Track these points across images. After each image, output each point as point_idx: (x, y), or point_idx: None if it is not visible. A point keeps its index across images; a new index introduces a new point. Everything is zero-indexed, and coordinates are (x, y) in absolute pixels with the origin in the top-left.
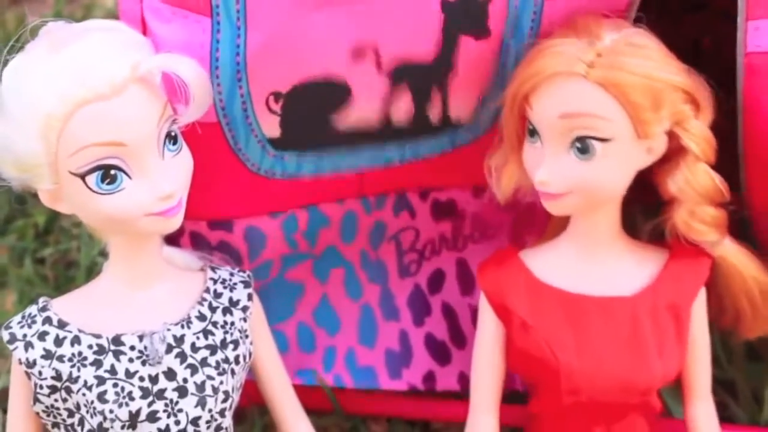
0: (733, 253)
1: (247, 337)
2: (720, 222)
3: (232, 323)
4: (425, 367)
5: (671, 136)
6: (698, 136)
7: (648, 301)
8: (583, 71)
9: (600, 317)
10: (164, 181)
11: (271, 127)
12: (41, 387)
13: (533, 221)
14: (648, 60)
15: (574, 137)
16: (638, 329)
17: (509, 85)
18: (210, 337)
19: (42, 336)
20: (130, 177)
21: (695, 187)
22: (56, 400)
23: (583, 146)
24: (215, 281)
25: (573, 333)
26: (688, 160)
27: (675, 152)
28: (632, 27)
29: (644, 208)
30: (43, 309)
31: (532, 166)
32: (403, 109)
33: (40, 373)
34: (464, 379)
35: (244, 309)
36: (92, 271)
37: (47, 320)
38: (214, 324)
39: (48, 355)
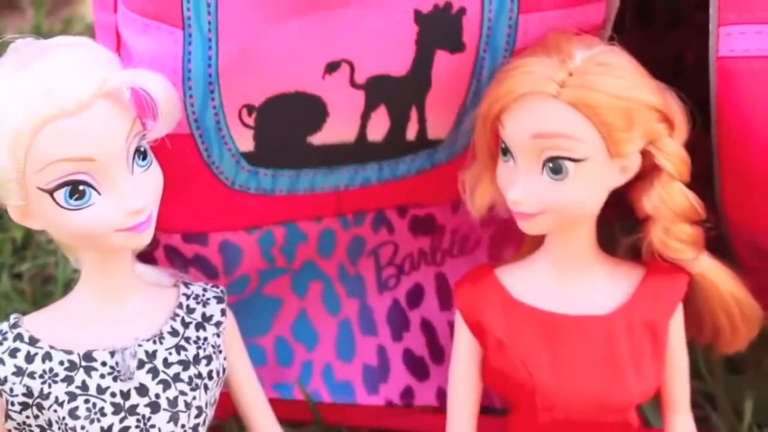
0: (711, 269)
1: (220, 352)
2: (696, 239)
3: (205, 338)
4: (403, 382)
5: (645, 154)
6: (672, 155)
7: (624, 319)
8: (554, 91)
9: (576, 336)
10: (134, 196)
11: (245, 141)
12: (13, 404)
13: (512, 235)
14: (620, 79)
15: (546, 157)
16: (614, 347)
17: (480, 104)
18: (183, 353)
19: (13, 353)
20: (99, 192)
21: (670, 206)
22: (28, 417)
23: (555, 166)
24: (188, 297)
25: (548, 352)
26: (663, 179)
27: (649, 170)
28: (605, 44)
29: (623, 224)
30: (15, 326)
31: (506, 184)
32: (379, 125)
33: (11, 389)
34: (443, 395)
35: (218, 324)
36: (69, 287)
37: (18, 337)
38: (187, 339)
39: (19, 372)
